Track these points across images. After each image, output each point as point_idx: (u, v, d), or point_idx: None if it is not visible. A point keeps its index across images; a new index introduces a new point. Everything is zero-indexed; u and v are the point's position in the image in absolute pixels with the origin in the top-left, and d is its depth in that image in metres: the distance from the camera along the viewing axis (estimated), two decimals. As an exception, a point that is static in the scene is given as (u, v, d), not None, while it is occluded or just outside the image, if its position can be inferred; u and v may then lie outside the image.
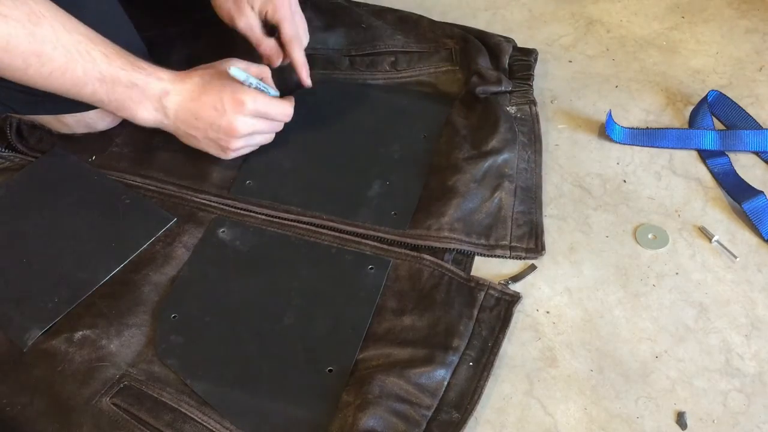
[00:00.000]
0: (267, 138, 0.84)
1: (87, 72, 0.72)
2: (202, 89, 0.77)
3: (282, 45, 0.87)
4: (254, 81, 0.79)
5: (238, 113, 0.77)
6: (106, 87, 0.74)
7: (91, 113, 0.83)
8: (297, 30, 0.86)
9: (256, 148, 0.84)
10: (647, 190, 0.84)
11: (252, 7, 0.85)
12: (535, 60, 0.96)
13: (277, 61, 0.88)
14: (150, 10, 0.96)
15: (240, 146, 0.80)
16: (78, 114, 0.83)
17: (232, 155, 0.82)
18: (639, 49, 1.01)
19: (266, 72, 0.83)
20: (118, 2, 0.85)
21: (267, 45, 0.87)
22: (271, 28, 0.87)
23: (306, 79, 0.87)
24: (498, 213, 0.79)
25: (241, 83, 0.78)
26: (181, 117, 0.78)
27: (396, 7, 1.03)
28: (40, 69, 0.70)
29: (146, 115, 0.77)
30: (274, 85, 0.83)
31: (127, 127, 0.87)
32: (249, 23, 0.86)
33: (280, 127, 0.83)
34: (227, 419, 0.64)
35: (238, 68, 0.77)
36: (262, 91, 0.80)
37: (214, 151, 0.81)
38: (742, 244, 0.78)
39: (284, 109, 0.81)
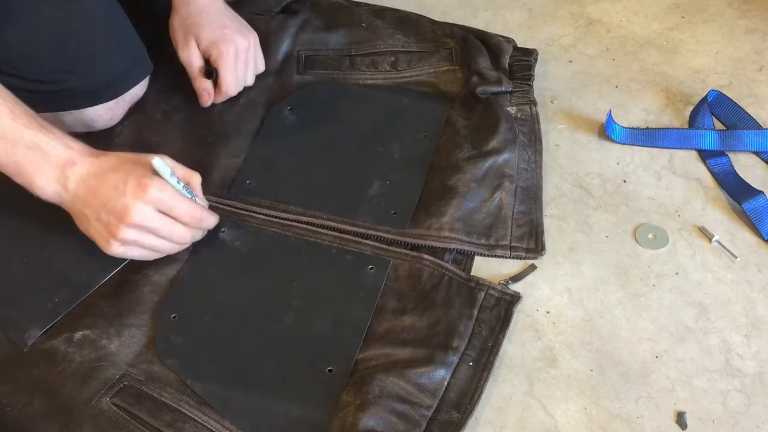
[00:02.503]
0: (167, 246, 0.72)
1: None
2: (112, 167, 0.68)
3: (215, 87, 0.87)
4: (176, 180, 0.70)
5: (138, 198, 0.66)
6: (5, 145, 0.66)
7: (89, 110, 0.83)
8: (235, 82, 0.86)
9: (149, 257, 0.73)
10: (647, 190, 0.84)
11: (198, 45, 0.86)
12: (535, 60, 0.96)
13: (207, 102, 0.88)
14: (150, 11, 0.96)
15: (128, 238, 0.68)
16: (76, 111, 0.82)
17: (116, 249, 0.69)
18: (639, 49, 1.01)
19: (195, 178, 0.73)
20: (117, 2, 0.85)
21: (200, 84, 0.87)
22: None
23: None
24: (498, 213, 0.79)
25: (162, 178, 0.68)
26: (80, 193, 0.68)
27: (396, 7, 1.03)
28: None
29: (44, 183, 0.68)
30: (202, 195, 0.75)
31: (127, 126, 0.87)
32: (189, 58, 0.86)
33: (187, 237, 0.72)
34: (227, 419, 0.64)
35: (162, 161, 0.68)
36: (182, 193, 0.70)
37: (100, 239, 0.69)
38: (742, 244, 0.78)
39: (195, 212, 0.70)
